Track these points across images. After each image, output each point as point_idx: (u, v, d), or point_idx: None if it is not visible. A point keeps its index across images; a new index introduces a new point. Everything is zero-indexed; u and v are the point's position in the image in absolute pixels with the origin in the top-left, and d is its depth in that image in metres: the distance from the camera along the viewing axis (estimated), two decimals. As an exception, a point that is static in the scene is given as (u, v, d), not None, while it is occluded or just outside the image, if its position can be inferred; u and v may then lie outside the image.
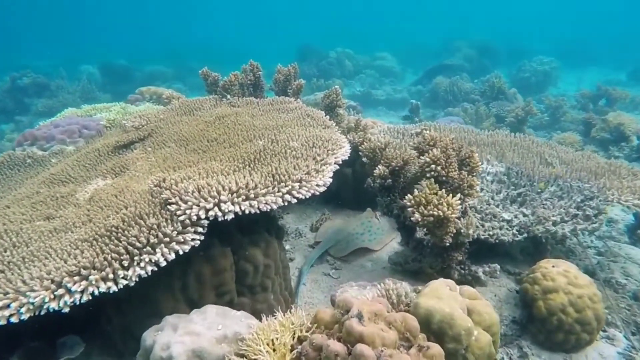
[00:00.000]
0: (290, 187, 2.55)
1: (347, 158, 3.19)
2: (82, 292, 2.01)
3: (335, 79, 12.89)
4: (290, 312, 2.14)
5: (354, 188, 4.61)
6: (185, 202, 2.35)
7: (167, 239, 2.22)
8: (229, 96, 4.44)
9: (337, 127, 3.80)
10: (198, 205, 2.33)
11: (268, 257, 2.73)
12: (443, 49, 19.47)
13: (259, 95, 4.68)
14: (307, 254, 3.98)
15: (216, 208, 2.32)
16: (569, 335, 2.91)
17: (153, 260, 2.15)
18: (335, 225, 4.31)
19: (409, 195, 2.83)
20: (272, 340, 1.95)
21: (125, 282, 2.08)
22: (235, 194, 2.39)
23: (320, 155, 2.98)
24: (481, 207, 3.64)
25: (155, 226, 2.26)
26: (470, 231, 2.98)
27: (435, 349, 1.84)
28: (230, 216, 2.34)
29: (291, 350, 1.92)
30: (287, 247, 4.13)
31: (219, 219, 2.34)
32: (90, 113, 4.96)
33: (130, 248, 2.17)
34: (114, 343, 2.52)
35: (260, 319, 2.32)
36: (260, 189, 2.47)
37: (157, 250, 2.18)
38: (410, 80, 16.01)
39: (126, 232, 2.25)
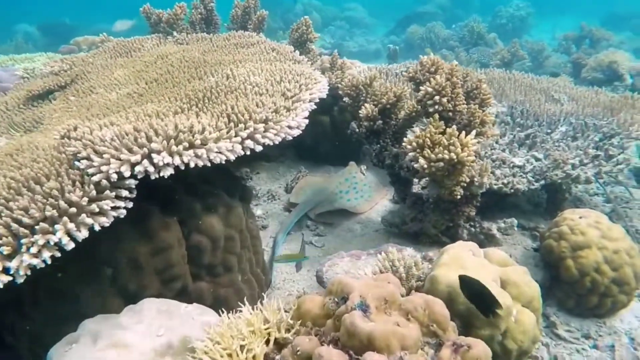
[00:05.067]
0: (252, 129, 1.85)
1: (324, 96, 2.50)
2: None
3: (302, 31, 11.91)
4: (262, 303, 1.49)
5: (333, 139, 3.94)
6: (101, 155, 1.63)
7: (74, 210, 1.51)
8: (175, 33, 3.63)
9: (310, 63, 3.08)
10: (119, 159, 1.61)
11: (230, 227, 2.06)
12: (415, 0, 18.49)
13: (213, 32, 3.87)
14: (283, 220, 3.33)
15: (146, 161, 1.61)
16: (604, 299, 2.41)
17: (53, 242, 1.45)
18: (314, 184, 3.65)
19: (408, 137, 2.18)
20: (236, 351, 1.30)
21: (6, 278, 1.37)
22: (173, 141, 1.68)
23: (291, 90, 2.28)
24: (485, 153, 3.04)
25: (55, 192, 1.53)
26: (485, 179, 2.38)
27: (479, 348, 1.23)
28: (167, 172, 1.64)
29: (265, 364, 1.29)
30: (259, 212, 3.46)
31: (152, 177, 1.63)
32: (6, 64, 4.04)
33: (15, 227, 1.45)
34: (20, 358, 1.84)
35: (227, 309, 1.68)
36: (210, 132, 1.77)
37: (59, 227, 1.47)
38: (383, 32, 15.14)
39: (11, 203, 1.52)
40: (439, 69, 2.30)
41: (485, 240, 2.66)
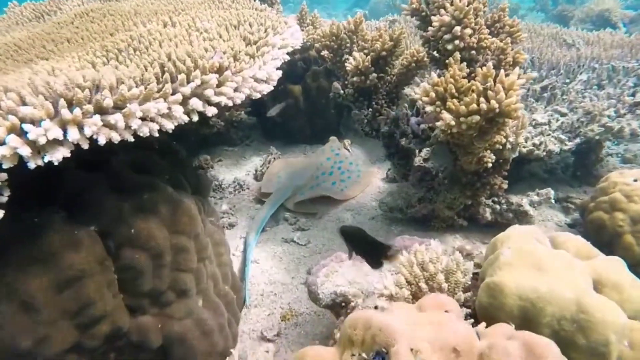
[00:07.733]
0: (198, 81, 1.20)
1: (299, 45, 1.87)
2: None
3: (261, 8, 11.10)
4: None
5: (307, 112, 3.30)
6: None
7: None
8: (101, -9, 2.88)
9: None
10: (-36, 138, 0.93)
11: (179, 233, 1.41)
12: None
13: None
14: (255, 214, 2.68)
15: (14, 138, 0.94)
16: (675, 281, 1.90)
17: None
18: (289, 167, 3.01)
19: (423, 85, 1.56)
20: None
21: None
22: (65, 102, 1.01)
23: (255, 34, 1.63)
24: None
25: None
26: (520, 139, 1.80)
27: None
28: (57, 155, 0.98)
29: None
30: (224, 207, 2.80)
31: (31, 165, 0.97)
32: None
33: None
34: None
35: (185, 350, 1.06)
36: (131, 89, 1.10)
37: None
38: (344, 6, 14.45)
39: None
40: (453, -6, 1.69)
41: (516, 219, 2.11)
